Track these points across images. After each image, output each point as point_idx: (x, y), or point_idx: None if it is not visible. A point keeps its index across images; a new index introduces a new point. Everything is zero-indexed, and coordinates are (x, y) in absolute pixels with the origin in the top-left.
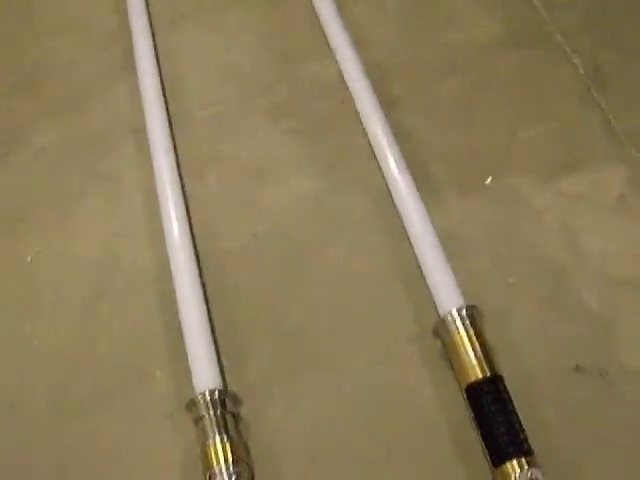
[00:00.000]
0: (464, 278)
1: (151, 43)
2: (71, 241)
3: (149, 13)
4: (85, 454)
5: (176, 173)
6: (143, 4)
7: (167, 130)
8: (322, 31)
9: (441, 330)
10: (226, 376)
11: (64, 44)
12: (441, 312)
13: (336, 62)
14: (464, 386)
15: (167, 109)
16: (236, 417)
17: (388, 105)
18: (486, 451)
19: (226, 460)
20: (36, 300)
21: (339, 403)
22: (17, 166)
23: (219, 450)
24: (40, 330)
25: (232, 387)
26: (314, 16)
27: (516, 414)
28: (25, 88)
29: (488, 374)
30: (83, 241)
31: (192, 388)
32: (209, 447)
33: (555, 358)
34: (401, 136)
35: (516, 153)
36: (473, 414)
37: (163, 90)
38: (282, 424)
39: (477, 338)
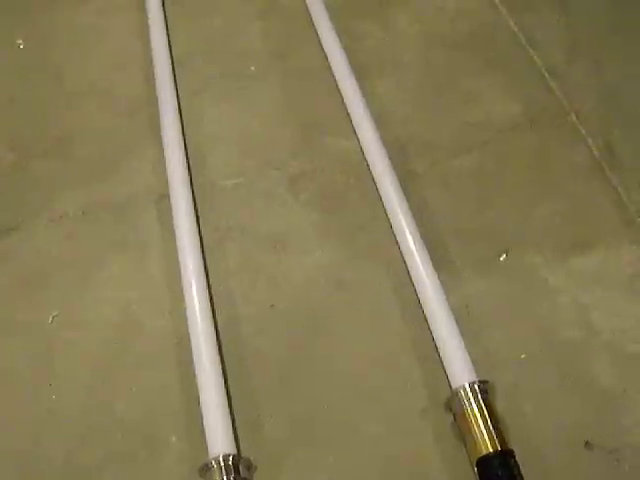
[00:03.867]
0: (477, 352)
1: (177, 112)
2: (91, 305)
3: (175, 82)
4: None
5: (198, 242)
6: (170, 73)
7: (190, 200)
8: (343, 105)
9: (453, 404)
10: (240, 442)
11: (91, 111)
12: (453, 386)
13: (356, 136)
14: (475, 460)
15: (190, 178)
16: None
17: (406, 180)
18: None
19: None
20: (55, 362)
21: (350, 473)
22: (40, 230)
23: None
24: (57, 391)
25: (246, 453)
26: (336, 90)
27: None
28: (51, 154)
29: (499, 448)
30: (103, 305)
31: (207, 453)
32: None
33: (566, 434)
34: (418, 211)
35: (530, 231)
36: None
37: (187, 159)
38: None
39: (488, 412)
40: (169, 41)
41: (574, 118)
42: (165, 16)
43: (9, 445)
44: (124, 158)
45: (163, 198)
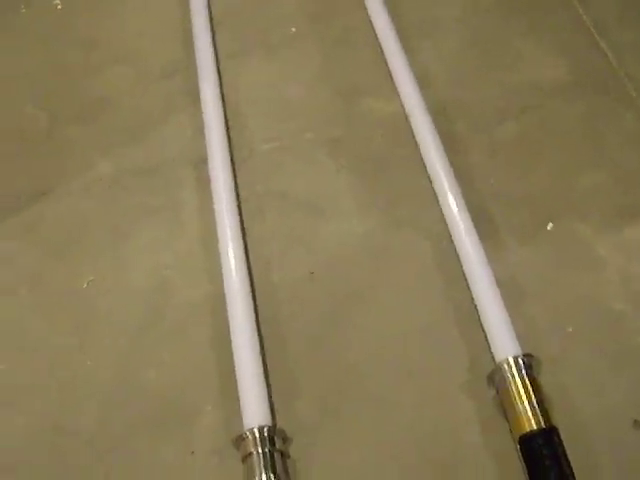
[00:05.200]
0: (522, 325)
1: (216, 76)
2: (126, 270)
3: (214, 44)
4: None
5: (236, 208)
6: (209, 35)
7: (228, 164)
8: (385, 67)
9: (496, 378)
10: (276, 413)
11: (127, 74)
12: (497, 359)
13: (398, 99)
14: (518, 437)
15: (229, 142)
16: (284, 455)
17: (449, 144)
18: None
19: None
20: (89, 327)
21: (387, 447)
22: (75, 195)
23: None
24: (91, 356)
25: (281, 425)
26: (378, 52)
27: (570, 468)
28: (86, 118)
29: (543, 425)
30: (138, 271)
31: (241, 424)
32: None
33: (613, 411)
34: (462, 176)
35: (578, 199)
36: (526, 466)
37: (226, 122)
38: (329, 464)
39: (533, 388)
40: (208, 2)
41: (625, 80)
42: None
43: (42, 410)
44: (161, 122)
45: (201, 162)
